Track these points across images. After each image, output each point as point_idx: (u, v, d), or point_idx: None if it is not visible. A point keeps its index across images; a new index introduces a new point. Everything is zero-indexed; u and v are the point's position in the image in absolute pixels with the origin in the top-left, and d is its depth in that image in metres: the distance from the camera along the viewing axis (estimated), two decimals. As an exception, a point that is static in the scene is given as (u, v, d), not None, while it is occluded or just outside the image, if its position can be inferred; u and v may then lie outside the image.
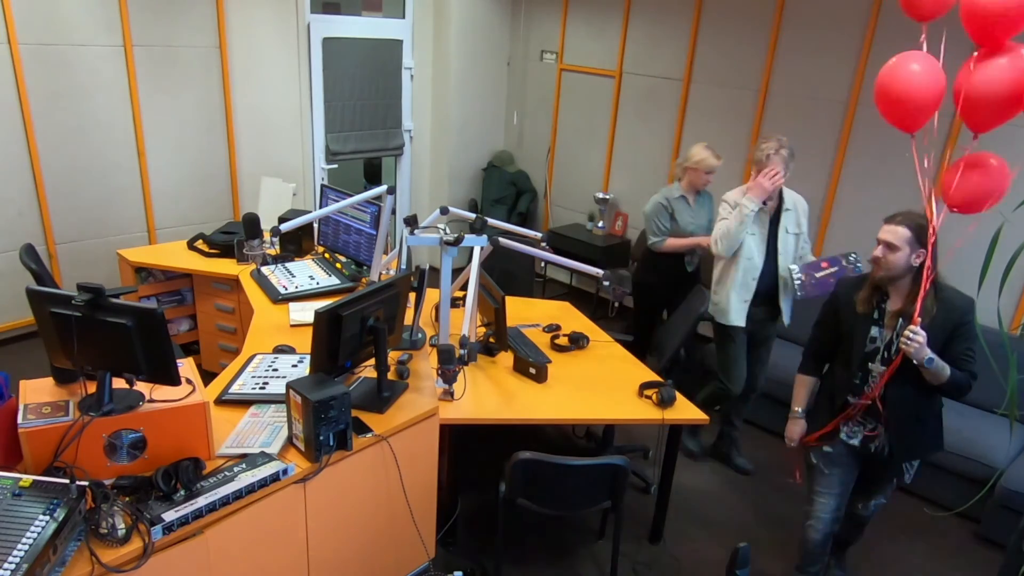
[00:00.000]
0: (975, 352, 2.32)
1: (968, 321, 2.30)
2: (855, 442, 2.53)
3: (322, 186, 3.93)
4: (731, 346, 3.44)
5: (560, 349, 3.29)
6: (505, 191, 6.01)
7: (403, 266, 2.88)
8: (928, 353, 2.24)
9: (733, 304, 3.35)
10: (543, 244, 3.31)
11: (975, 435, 3.36)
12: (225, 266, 3.75)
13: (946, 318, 2.30)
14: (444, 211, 3.22)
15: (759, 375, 3.58)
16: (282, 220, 3.71)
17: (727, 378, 3.49)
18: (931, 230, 2.23)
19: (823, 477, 2.59)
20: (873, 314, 2.42)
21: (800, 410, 2.69)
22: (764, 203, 3.22)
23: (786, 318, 3.39)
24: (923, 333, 2.22)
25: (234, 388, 2.42)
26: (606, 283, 3.00)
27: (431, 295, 3.50)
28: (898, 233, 2.28)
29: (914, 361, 2.26)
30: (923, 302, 2.25)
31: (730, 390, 3.49)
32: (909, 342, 2.22)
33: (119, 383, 1.91)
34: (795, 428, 2.70)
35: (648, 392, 2.89)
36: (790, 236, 3.31)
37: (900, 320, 2.36)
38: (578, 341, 3.32)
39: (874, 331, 2.42)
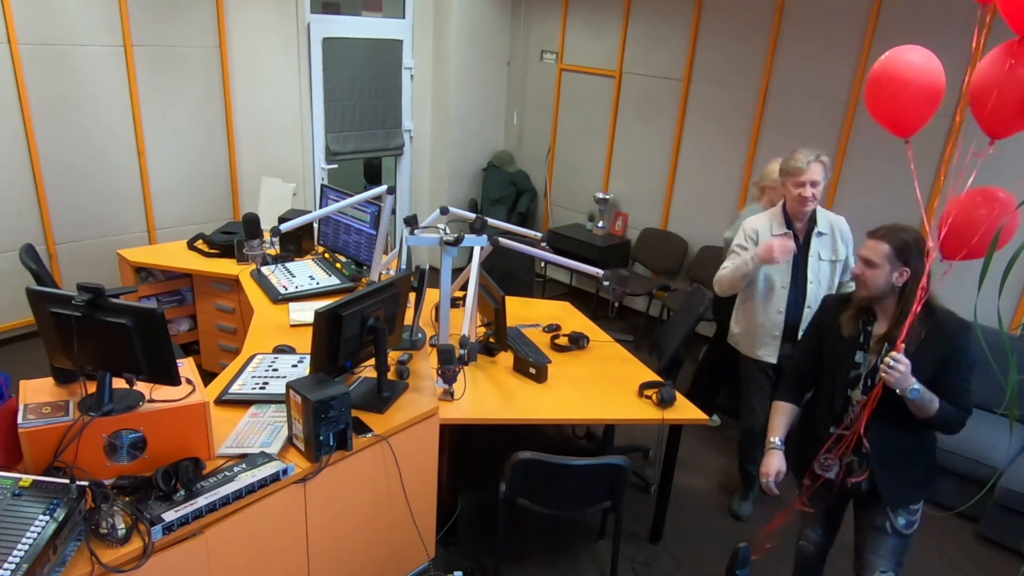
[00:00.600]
0: (971, 384, 2.09)
1: (963, 348, 2.06)
2: (831, 475, 2.26)
3: (322, 186, 3.93)
4: (745, 377, 3.21)
5: (560, 349, 3.29)
6: (505, 191, 6.01)
7: (403, 266, 2.88)
8: (912, 383, 2.01)
9: (759, 338, 3.09)
10: (543, 244, 3.31)
11: (975, 435, 3.35)
12: (225, 266, 3.75)
13: (937, 344, 2.05)
14: (444, 211, 3.22)
15: None
16: (282, 220, 3.71)
17: (743, 411, 3.23)
18: (927, 250, 2.02)
19: (807, 512, 2.47)
20: (859, 337, 2.19)
21: (778, 440, 2.37)
22: (790, 226, 2.99)
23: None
24: (906, 361, 1.99)
25: (234, 388, 2.42)
26: (606, 283, 3.00)
27: (431, 295, 3.50)
28: (878, 249, 2.07)
29: (896, 391, 2.04)
30: (910, 326, 2.01)
31: (750, 428, 3.20)
32: (889, 370, 2.00)
33: (119, 383, 1.91)
34: (772, 462, 2.33)
35: (648, 392, 2.89)
36: (824, 263, 3.00)
37: (885, 345, 2.13)
38: (578, 341, 3.32)
39: (858, 356, 2.20)
